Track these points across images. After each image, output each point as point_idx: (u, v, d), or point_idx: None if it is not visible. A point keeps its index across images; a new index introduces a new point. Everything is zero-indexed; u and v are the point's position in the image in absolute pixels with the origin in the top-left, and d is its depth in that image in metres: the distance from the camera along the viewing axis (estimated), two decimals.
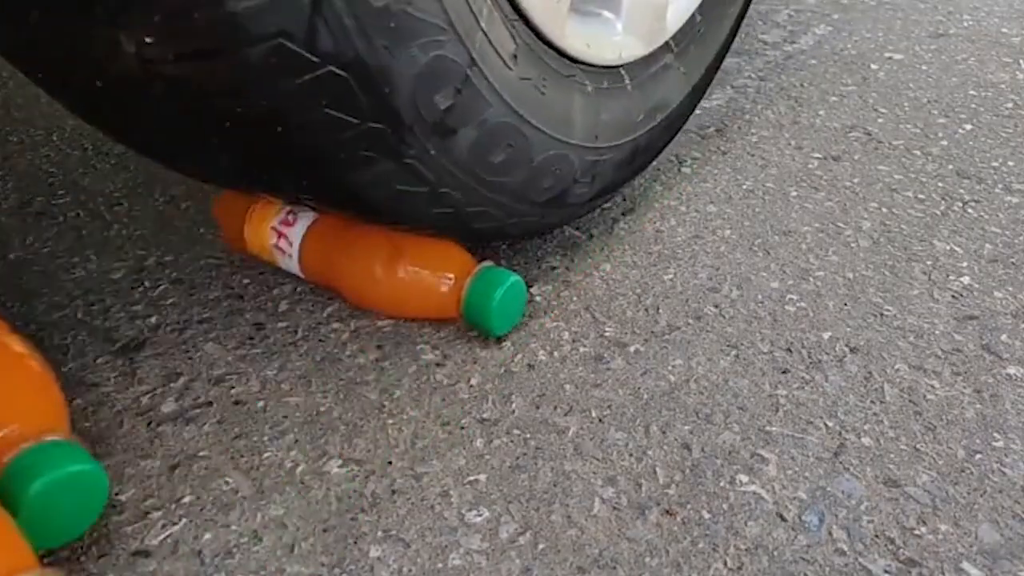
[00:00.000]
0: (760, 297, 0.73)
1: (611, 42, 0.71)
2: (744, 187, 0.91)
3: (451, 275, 0.65)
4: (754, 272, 0.77)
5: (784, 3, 1.53)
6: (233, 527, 0.51)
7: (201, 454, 0.56)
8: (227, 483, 0.54)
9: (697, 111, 1.10)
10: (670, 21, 0.79)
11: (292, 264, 0.71)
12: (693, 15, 0.82)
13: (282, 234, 0.70)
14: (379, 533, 0.51)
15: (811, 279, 0.76)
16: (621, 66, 0.73)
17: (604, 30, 0.71)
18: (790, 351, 0.67)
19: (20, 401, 0.49)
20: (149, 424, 0.59)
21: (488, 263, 0.67)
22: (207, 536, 0.51)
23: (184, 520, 0.52)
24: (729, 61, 1.26)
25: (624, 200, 0.88)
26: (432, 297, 0.66)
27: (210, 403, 0.61)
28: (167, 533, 0.51)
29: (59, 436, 0.48)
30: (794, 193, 0.90)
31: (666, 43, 0.79)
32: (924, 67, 1.23)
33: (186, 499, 0.53)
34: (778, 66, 1.25)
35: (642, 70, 0.75)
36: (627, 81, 0.73)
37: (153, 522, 0.52)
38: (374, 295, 0.68)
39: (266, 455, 0.57)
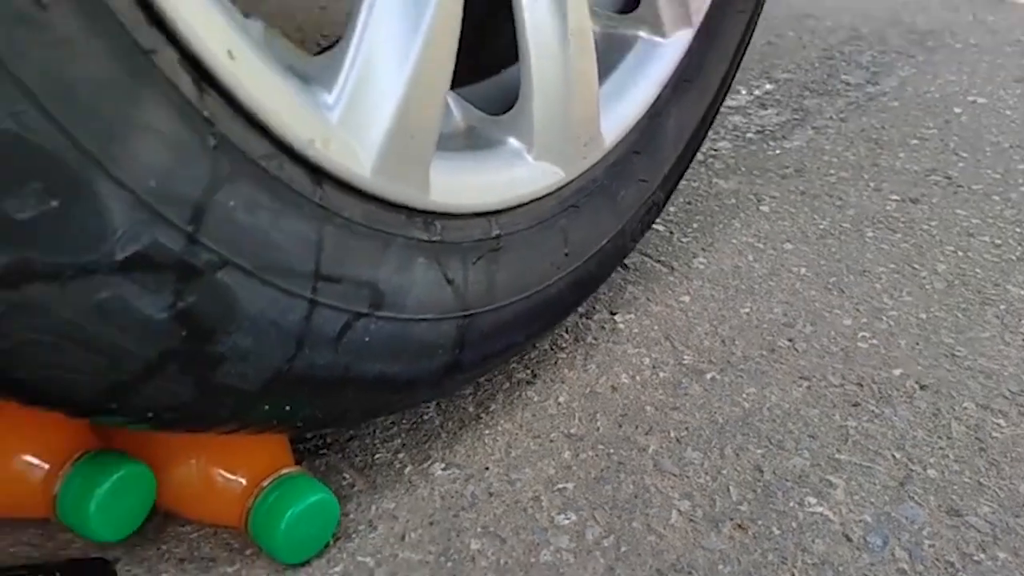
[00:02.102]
0: (833, 333, 0.77)
1: None
2: (821, 227, 0.95)
3: (242, 478, 0.54)
4: (828, 309, 0.81)
5: (868, 44, 1.56)
6: (351, 516, 0.58)
7: (321, 452, 0.64)
8: (344, 478, 0.62)
9: (777, 151, 1.14)
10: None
11: None
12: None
13: None
14: (478, 528, 0.58)
15: (884, 318, 0.79)
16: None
17: None
18: (861, 385, 0.71)
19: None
20: None
21: (291, 470, 0.55)
22: None
23: None
24: (810, 101, 1.31)
25: (704, 236, 0.93)
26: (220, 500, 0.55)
27: None
28: None
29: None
30: (870, 234, 0.93)
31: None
32: (1008, 112, 1.24)
33: None
34: (859, 107, 1.28)
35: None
36: None
37: None
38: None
39: (377, 456, 0.64)
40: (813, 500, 0.60)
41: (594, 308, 0.81)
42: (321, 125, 0.47)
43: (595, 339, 0.77)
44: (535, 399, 0.69)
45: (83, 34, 0.35)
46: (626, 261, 0.88)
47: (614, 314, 0.80)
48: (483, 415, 0.68)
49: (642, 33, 0.72)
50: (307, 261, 0.47)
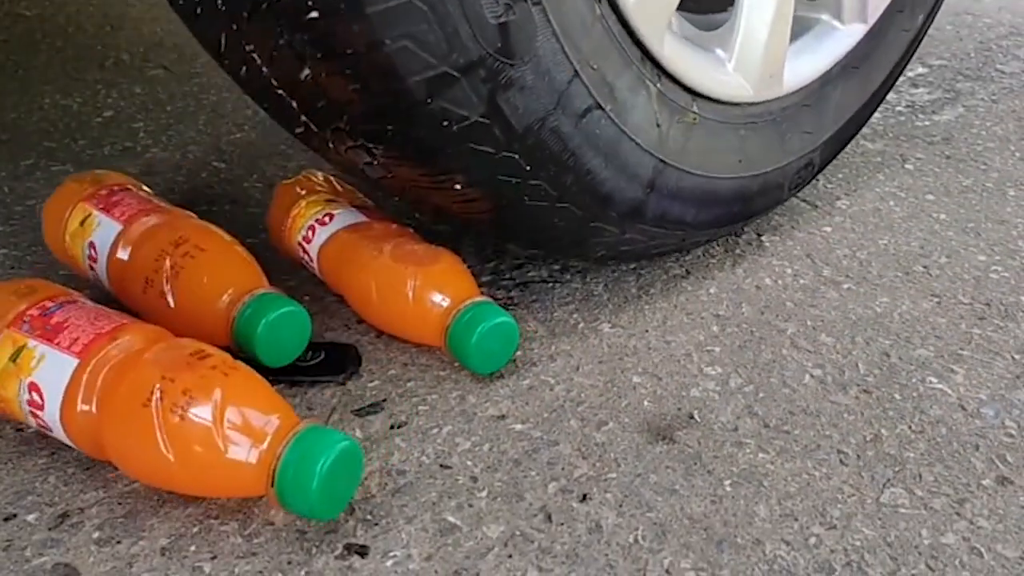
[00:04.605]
0: (967, 265, 0.84)
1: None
2: (964, 184, 1.01)
3: (442, 303, 0.68)
4: (964, 247, 0.88)
5: None
6: (535, 351, 0.72)
7: (509, 308, 0.78)
8: (528, 326, 0.75)
9: (926, 122, 1.20)
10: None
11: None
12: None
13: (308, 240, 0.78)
14: (639, 369, 0.70)
15: (1018, 257, 0.86)
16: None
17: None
18: (988, 305, 0.78)
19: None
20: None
21: (479, 299, 0.69)
22: (518, 354, 0.71)
23: None
24: (963, 84, 1.35)
25: (849, 183, 1.02)
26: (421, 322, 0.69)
27: (512, 277, 0.82)
28: None
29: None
30: (1012, 193, 0.99)
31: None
32: None
33: None
34: (1013, 92, 1.31)
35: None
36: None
37: None
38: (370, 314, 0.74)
39: (555, 314, 0.77)
40: (934, 379, 0.68)
41: (743, 230, 0.91)
42: None
43: (742, 252, 0.87)
44: (688, 288, 0.81)
45: None
46: None
47: (760, 235, 0.90)
48: (643, 295, 0.80)
49: (824, 16, 0.85)
50: (581, 37, 0.61)
